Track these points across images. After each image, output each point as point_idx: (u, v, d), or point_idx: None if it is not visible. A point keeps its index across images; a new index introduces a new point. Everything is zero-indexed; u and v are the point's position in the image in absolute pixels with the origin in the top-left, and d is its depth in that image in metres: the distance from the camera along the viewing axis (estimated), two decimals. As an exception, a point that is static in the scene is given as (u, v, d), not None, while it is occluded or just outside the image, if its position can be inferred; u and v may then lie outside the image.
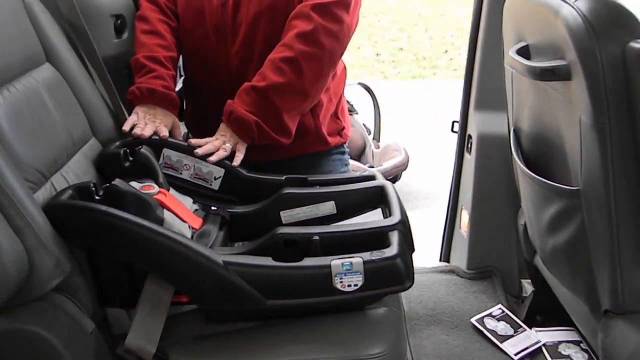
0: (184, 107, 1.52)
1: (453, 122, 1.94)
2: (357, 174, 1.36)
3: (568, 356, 1.52)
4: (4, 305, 0.91)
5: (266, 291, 0.99)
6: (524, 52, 1.30)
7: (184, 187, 1.26)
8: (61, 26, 1.29)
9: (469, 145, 1.86)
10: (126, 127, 1.28)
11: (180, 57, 1.51)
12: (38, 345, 0.93)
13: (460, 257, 1.94)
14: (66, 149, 1.15)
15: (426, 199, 3.07)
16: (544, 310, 1.66)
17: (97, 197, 1.04)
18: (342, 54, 1.38)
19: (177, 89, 1.44)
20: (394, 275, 1.02)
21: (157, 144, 1.27)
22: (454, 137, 1.95)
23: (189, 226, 1.12)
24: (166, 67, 1.36)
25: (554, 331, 1.60)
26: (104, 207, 0.99)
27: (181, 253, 0.99)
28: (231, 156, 1.28)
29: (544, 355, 1.54)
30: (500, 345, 1.56)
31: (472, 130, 1.84)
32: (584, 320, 1.35)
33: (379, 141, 3.37)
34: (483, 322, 1.65)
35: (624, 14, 1.08)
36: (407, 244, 1.08)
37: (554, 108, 1.25)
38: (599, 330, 1.21)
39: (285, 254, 1.02)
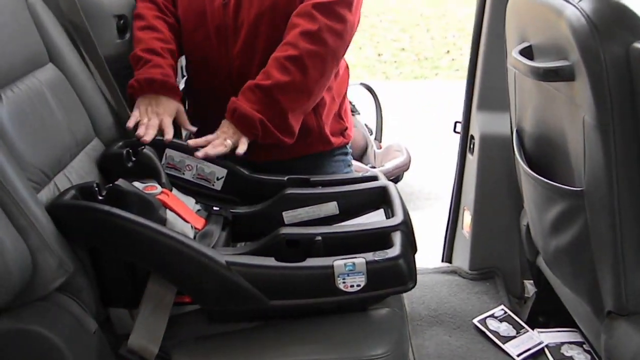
0: (186, 108, 1.52)
1: (455, 123, 1.94)
2: (360, 174, 1.36)
3: (570, 357, 1.52)
4: (7, 305, 0.92)
5: (269, 291, 0.99)
6: (527, 52, 1.30)
7: (186, 187, 1.27)
8: (64, 26, 1.29)
9: (472, 146, 1.86)
10: (130, 123, 1.28)
11: (183, 57, 1.51)
12: (41, 345, 0.93)
13: (462, 258, 1.94)
14: (69, 149, 1.15)
15: (428, 199, 3.07)
16: (546, 311, 1.66)
17: (100, 197, 1.04)
18: (344, 52, 1.38)
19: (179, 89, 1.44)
20: (397, 276, 1.02)
21: (160, 144, 1.27)
22: (456, 138, 1.94)
23: (192, 226, 1.13)
24: (163, 57, 1.35)
25: (557, 332, 1.59)
26: (107, 207, 0.99)
27: (184, 253, 0.99)
28: (232, 156, 1.28)
29: (547, 356, 1.53)
30: (503, 346, 1.56)
31: (475, 130, 1.84)
32: (586, 321, 1.35)
33: (380, 141, 3.37)
34: (485, 323, 1.65)
35: (628, 14, 1.08)
36: (410, 245, 1.08)
37: (557, 109, 1.24)
38: (602, 331, 1.20)
39: (287, 255, 1.02)
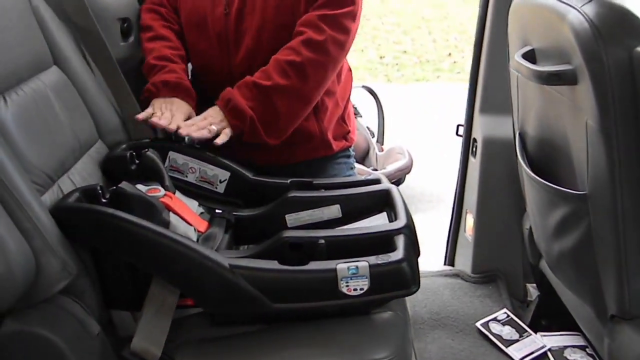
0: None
1: (458, 126, 1.94)
2: (363, 177, 1.36)
3: (573, 361, 1.52)
4: (10, 307, 0.92)
5: (272, 294, 0.99)
6: (530, 56, 1.30)
7: (189, 190, 1.27)
8: (68, 29, 1.29)
9: (474, 149, 1.86)
10: (140, 116, 1.28)
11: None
12: (44, 347, 0.93)
13: (465, 261, 1.94)
14: (73, 152, 1.15)
15: (430, 202, 3.06)
16: (549, 315, 1.65)
17: (103, 200, 1.05)
18: (343, 60, 1.39)
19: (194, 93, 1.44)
20: (400, 280, 1.01)
21: (162, 147, 1.27)
22: (458, 140, 1.94)
23: (195, 229, 1.13)
24: (176, 63, 1.37)
25: (560, 336, 1.59)
26: (110, 210, 0.99)
27: (187, 256, 0.99)
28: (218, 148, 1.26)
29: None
30: (506, 350, 1.56)
31: (477, 133, 1.84)
32: (590, 325, 1.34)
33: (382, 144, 3.37)
34: (488, 327, 1.64)
35: (631, 18, 1.08)
36: (413, 248, 1.08)
37: (560, 112, 1.24)
38: (605, 335, 1.20)
39: (290, 258, 1.02)
